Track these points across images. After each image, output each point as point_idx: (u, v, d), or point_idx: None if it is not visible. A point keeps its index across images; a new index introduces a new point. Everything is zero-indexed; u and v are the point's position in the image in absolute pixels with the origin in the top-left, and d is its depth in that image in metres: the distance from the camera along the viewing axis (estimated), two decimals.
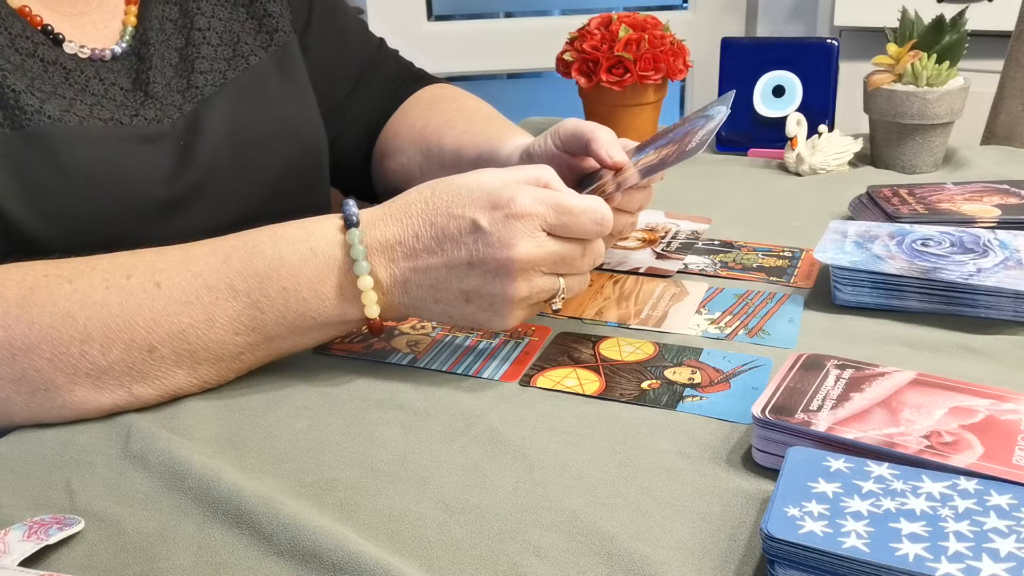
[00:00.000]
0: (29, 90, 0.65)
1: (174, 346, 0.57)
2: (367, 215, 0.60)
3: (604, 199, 0.68)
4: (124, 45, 0.73)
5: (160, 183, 0.70)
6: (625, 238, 0.86)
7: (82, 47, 0.70)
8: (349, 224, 0.59)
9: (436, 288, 0.60)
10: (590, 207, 0.60)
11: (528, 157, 0.78)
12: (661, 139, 0.74)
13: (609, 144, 0.72)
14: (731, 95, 0.74)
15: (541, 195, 0.59)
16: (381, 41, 0.98)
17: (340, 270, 0.59)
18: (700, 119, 0.72)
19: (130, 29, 0.74)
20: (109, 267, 0.58)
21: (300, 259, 0.59)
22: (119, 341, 0.56)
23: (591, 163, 0.76)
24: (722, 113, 0.69)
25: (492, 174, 0.61)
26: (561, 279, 0.61)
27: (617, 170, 0.72)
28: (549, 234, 0.59)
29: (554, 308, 0.62)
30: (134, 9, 0.75)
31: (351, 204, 0.60)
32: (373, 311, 0.60)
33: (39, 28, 0.69)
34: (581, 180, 0.77)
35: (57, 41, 0.69)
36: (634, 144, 0.76)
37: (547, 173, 0.62)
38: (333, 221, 0.60)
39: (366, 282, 0.59)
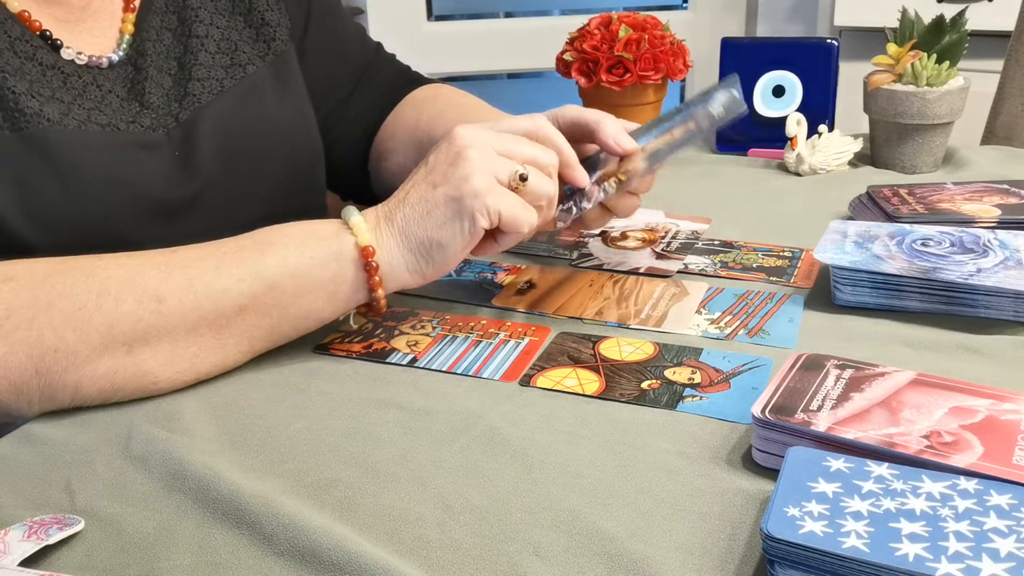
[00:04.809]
0: (29, 93, 0.65)
1: (181, 297, 0.59)
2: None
3: (618, 189, 0.71)
4: (121, 54, 0.73)
5: (157, 189, 0.70)
6: (620, 237, 0.86)
7: (79, 54, 0.70)
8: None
9: (409, 195, 0.65)
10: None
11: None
12: (665, 123, 0.74)
13: (617, 133, 0.72)
14: (735, 79, 0.74)
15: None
16: (378, 45, 0.98)
17: (331, 223, 0.65)
18: (701, 102, 0.73)
19: (127, 38, 0.74)
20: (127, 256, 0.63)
21: (299, 227, 0.64)
22: (133, 292, 0.59)
23: (591, 148, 0.75)
24: (721, 97, 0.70)
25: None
26: (516, 164, 0.65)
27: (624, 157, 0.72)
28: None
29: (520, 176, 0.65)
30: (131, 17, 0.75)
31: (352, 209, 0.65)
32: (365, 238, 0.63)
33: (37, 33, 0.69)
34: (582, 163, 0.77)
35: (55, 47, 0.69)
36: (635, 126, 0.76)
37: (540, 121, 0.69)
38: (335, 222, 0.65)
39: (351, 211, 0.64)
